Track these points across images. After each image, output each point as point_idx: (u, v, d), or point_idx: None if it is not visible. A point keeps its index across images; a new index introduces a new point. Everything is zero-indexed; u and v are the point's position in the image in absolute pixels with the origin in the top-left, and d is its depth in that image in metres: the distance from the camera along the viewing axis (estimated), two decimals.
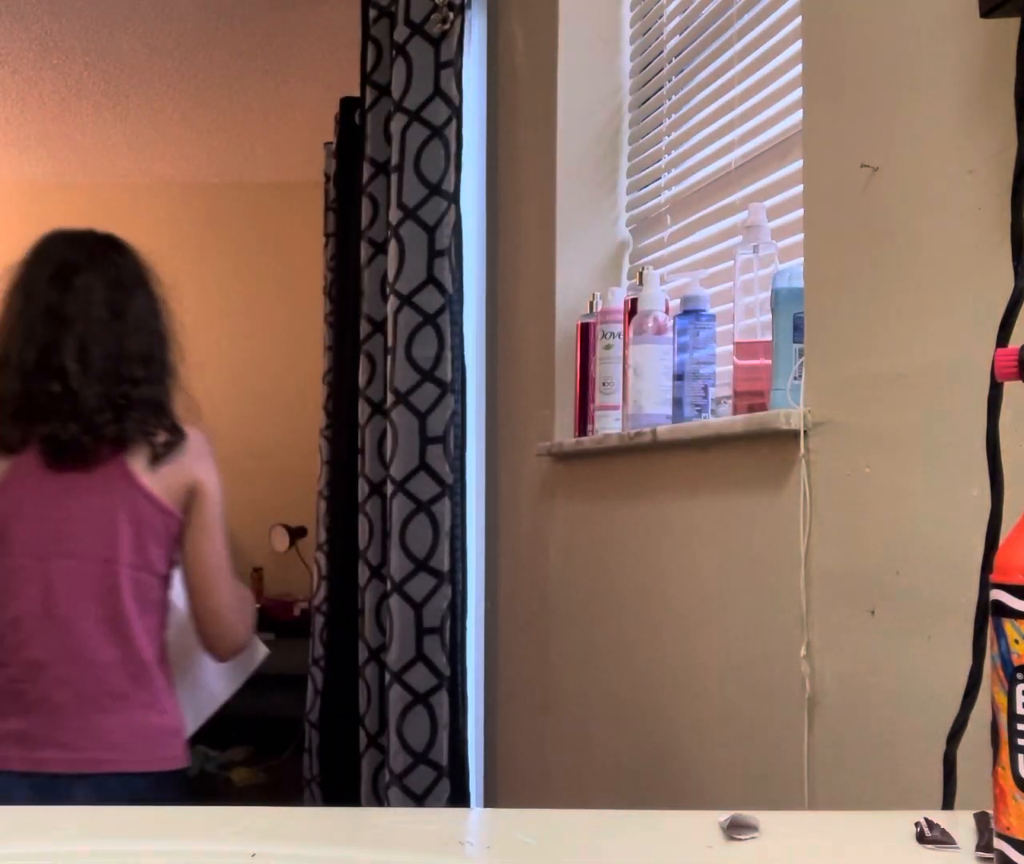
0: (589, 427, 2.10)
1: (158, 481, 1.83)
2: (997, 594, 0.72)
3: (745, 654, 1.53)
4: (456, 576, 2.64)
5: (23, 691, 1.75)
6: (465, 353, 2.67)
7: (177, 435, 1.87)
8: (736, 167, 1.80)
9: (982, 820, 0.81)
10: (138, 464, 1.82)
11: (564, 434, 2.23)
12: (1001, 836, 0.72)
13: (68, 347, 1.80)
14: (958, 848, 0.78)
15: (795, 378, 1.40)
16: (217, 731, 5.52)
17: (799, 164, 1.49)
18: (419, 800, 2.57)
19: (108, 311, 1.85)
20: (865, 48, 1.28)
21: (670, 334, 1.78)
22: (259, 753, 5.13)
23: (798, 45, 1.52)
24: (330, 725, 3.42)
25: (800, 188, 1.45)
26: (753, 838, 0.80)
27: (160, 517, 1.83)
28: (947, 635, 1.10)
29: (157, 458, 1.83)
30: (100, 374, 1.81)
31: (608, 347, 1.98)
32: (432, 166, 2.63)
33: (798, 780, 1.36)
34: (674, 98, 2.05)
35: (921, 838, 0.80)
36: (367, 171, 3.00)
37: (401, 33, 2.67)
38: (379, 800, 2.88)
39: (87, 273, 1.87)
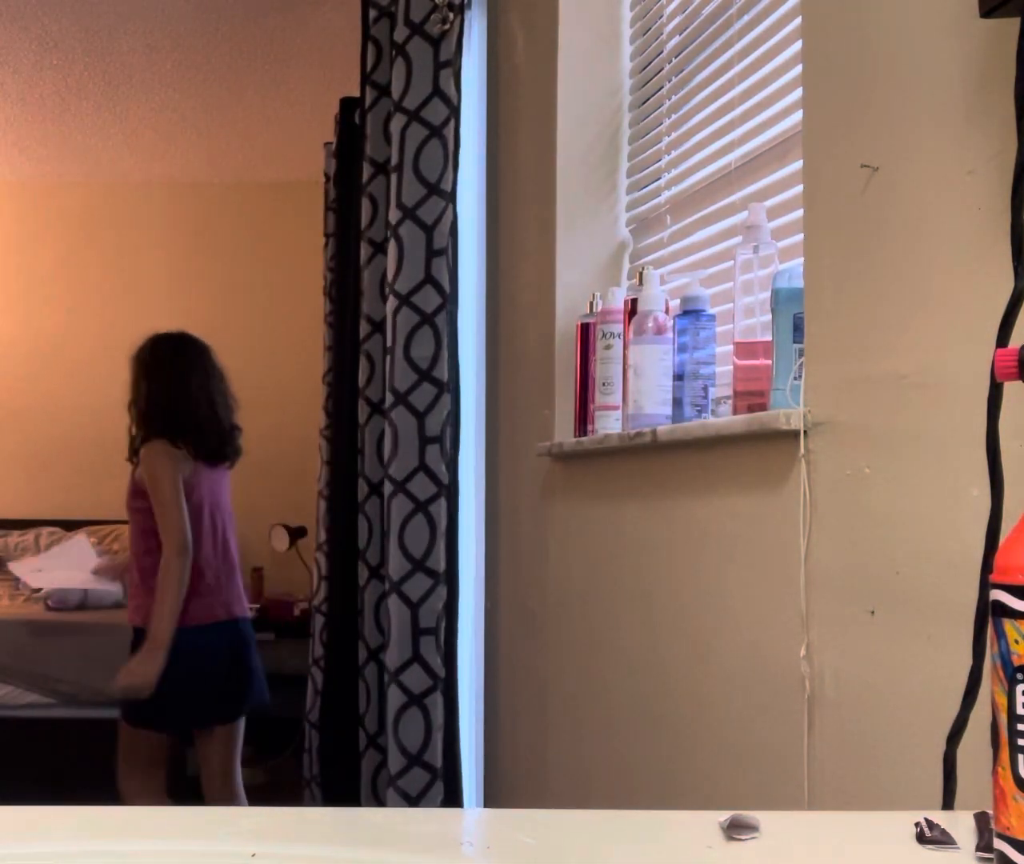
0: (589, 427, 2.10)
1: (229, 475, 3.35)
2: (997, 594, 0.72)
3: (745, 654, 1.53)
4: (451, 576, 2.64)
5: (209, 583, 3.14)
6: (460, 352, 2.67)
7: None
8: (736, 167, 1.80)
9: (982, 820, 0.81)
10: (227, 466, 3.28)
11: (564, 434, 2.23)
12: (1001, 836, 0.72)
13: (222, 406, 3.21)
14: (958, 848, 0.78)
15: (795, 378, 1.40)
16: None
17: (799, 164, 1.49)
18: (413, 802, 2.57)
19: (223, 384, 3.25)
20: (865, 48, 1.28)
21: (670, 334, 1.78)
22: (259, 753, 5.13)
23: (798, 45, 1.52)
24: (330, 725, 3.41)
25: (800, 188, 1.45)
26: (753, 838, 0.80)
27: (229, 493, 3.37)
28: (947, 635, 1.10)
29: (232, 465, 3.30)
30: (230, 419, 3.26)
31: (608, 347, 1.98)
32: (431, 166, 2.63)
33: (798, 780, 1.36)
34: (674, 98, 2.05)
35: (921, 838, 0.80)
36: (367, 171, 3.00)
37: (401, 33, 2.67)
38: (378, 800, 2.88)
39: (209, 361, 3.23)
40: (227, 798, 3.24)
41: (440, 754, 2.60)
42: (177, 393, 3.14)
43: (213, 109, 5.02)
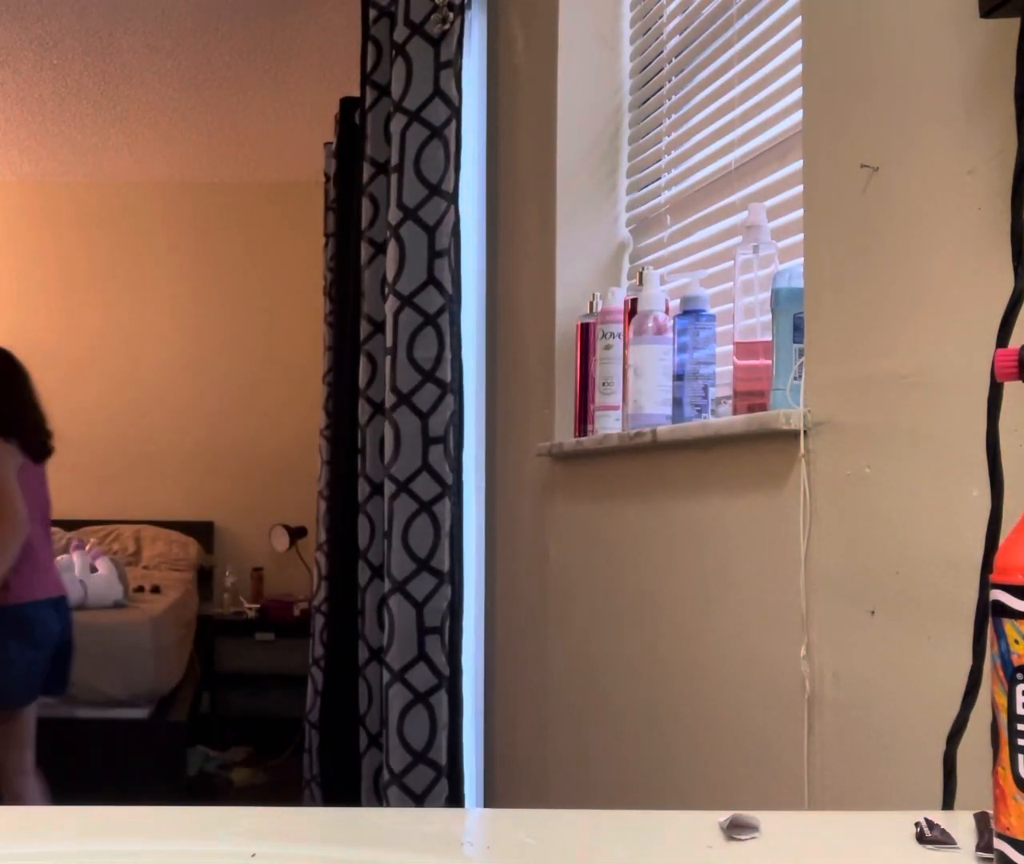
0: (589, 427, 2.10)
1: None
2: (997, 594, 0.72)
3: (745, 654, 1.53)
4: (455, 575, 2.64)
5: (44, 561, 3.44)
6: (463, 353, 2.67)
7: None
8: (736, 167, 1.80)
9: (982, 820, 0.81)
10: (44, 463, 3.58)
11: (564, 434, 2.23)
12: (1001, 836, 0.72)
13: (40, 412, 3.56)
14: (958, 848, 0.78)
15: (795, 378, 1.40)
16: (217, 731, 5.52)
17: (799, 164, 1.49)
18: (418, 800, 2.57)
19: (37, 394, 3.59)
20: (865, 48, 1.28)
21: (670, 334, 1.78)
22: (259, 753, 5.13)
23: (798, 45, 1.52)
24: (330, 725, 3.42)
25: (800, 188, 1.45)
26: (753, 838, 0.80)
27: None
28: (947, 635, 1.10)
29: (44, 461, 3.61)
30: (46, 424, 3.59)
31: (608, 347, 1.98)
32: (432, 166, 2.63)
33: (798, 780, 1.36)
34: (674, 98, 2.05)
35: (921, 838, 0.80)
36: (367, 171, 3.01)
37: (401, 33, 2.67)
38: (379, 800, 2.88)
39: (26, 373, 3.60)
40: (21, 772, 3.35)
41: (445, 752, 2.60)
42: (5, 398, 3.54)
43: (213, 109, 5.02)
